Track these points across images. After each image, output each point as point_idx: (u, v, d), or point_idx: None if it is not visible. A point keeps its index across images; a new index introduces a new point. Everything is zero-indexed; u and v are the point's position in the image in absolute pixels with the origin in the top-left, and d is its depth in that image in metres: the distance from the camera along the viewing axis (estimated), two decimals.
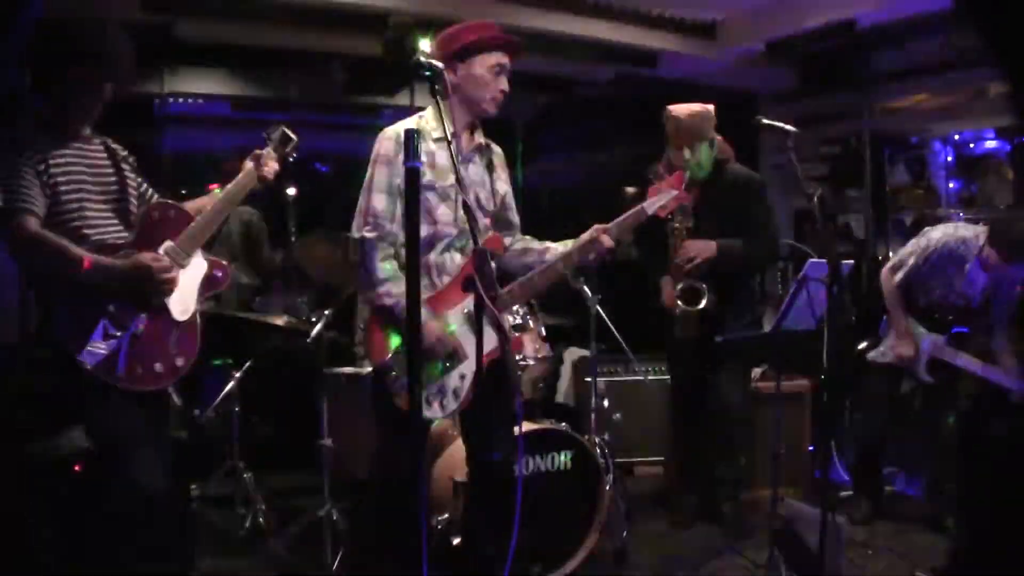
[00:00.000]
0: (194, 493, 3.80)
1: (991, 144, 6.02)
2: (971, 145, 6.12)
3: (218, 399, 4.00)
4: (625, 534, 3.69)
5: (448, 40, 2.63)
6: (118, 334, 2.38)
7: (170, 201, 2.62)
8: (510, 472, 2.66)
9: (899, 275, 3.88)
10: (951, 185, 6.13)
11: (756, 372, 4.52)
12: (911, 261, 3.87)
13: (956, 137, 6.11)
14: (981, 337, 3.83)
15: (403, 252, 2.58)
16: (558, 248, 2.76)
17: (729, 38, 5.60)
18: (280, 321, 3.89)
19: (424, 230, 2.58)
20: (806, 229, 6.18)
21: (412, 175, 1.94)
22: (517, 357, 3.65)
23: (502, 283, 2.66)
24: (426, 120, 2.65)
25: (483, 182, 2.71)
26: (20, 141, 2.41)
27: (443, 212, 2.61)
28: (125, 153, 2.68)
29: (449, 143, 2.33)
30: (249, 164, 2.68)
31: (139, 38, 2.57)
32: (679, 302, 3.73)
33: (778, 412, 3.52)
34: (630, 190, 4.17)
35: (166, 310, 2.49)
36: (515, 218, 2.89)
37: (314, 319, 3.67)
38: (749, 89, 6.53)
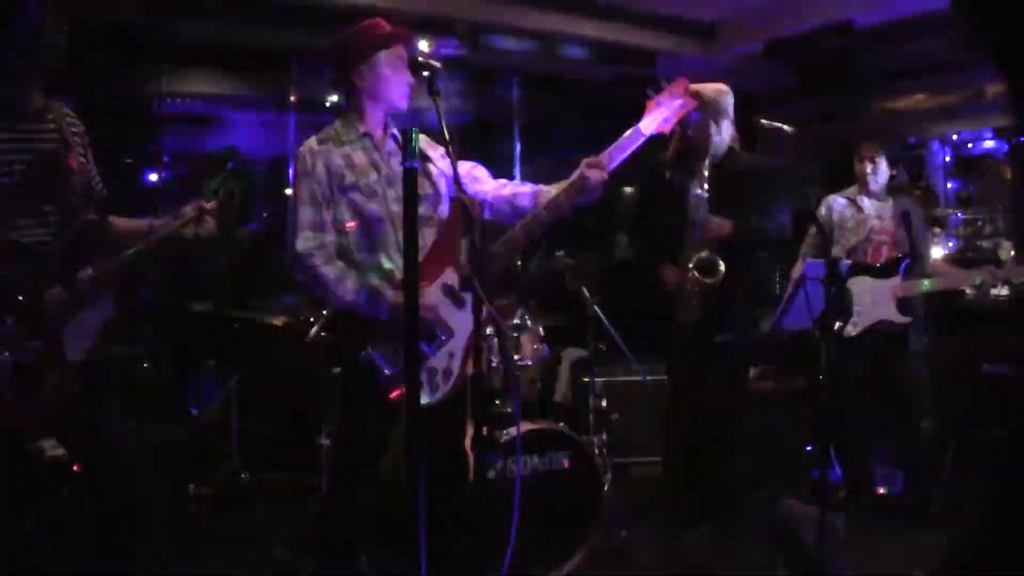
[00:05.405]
0: (192, 493, 3.80)
1: (989, 144, 6.02)
2: (969, 145, 6.13)
3: (216, 400, 4.00)
4: (623, 534, 3.69)
5: (344, 44, 2.65)
6: (5, 353, 2.22)
7: (102, 221, 2.46)
8: (466, 471, 2.64)
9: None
10: (949, 185, 6.14)
11: (754, 372, 4.52)
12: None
13: (954, 137, 6.12)
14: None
15: (352, 253, 2.59)
16: (551, 191, 2.67)
17: (728, 38, 5.61)
18: (278, 321, 3.90)
19: (359, 233, 2.58)
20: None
21: (410, 175, 1.94)
22: (516, 357, 3.65)
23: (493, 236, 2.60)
24: (335, 129, 2.67)
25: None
26: None
27: (374, 208, 2.59)
28: (78, 129, 2.46)
29: (369, 136, 2.53)
30: (189, 211, 2.45)
31: (139, 38, 2.54)
32: (695, 272, 3.54)
33: (776, 412, 3.52)
34: (628, 190, 4.17)
35: (60, 344, 2.29)
36: (481, 173, 2.82)
37: (312, 319, 3.67)
38: (747, 89, 6.51)
